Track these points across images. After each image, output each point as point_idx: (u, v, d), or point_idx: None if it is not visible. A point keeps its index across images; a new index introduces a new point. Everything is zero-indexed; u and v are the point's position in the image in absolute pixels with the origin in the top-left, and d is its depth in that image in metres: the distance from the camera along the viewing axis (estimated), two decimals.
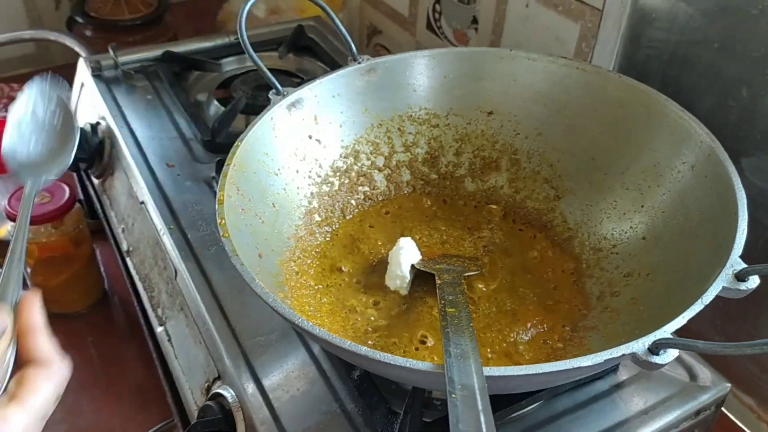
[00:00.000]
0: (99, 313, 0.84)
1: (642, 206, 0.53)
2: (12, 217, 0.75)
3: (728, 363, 0.70)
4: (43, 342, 0.40)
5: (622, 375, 0.53)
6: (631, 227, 0.53)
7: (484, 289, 0.53)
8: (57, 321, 0.81)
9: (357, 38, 1.17)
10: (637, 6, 0.69)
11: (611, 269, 0.53)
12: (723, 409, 0.70)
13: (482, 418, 0.32)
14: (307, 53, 0.90)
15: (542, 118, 0.60)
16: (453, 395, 0.33)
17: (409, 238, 0.54)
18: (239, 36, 0.56)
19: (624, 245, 0.53)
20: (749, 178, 0.61)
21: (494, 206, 0.61)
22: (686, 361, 0.54)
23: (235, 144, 0.52)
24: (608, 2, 0.71)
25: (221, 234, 0.45)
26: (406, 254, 0.53)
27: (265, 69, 0.56)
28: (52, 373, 0.38)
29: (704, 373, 0.53)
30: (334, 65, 0.86)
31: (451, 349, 0.38)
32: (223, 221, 0.46)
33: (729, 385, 0.52)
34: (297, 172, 0.57)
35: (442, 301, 0.46)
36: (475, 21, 0.91)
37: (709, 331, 0.70)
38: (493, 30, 0.89)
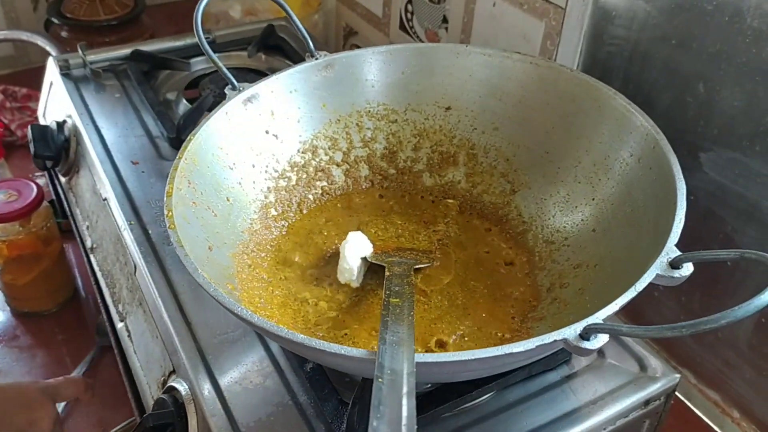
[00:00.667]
0: (69, 312, 0.84)
1: (593, 199, 0.53)
2: None
3: (692, 358, 0.71)
4: None
5: (575, 366, 0.53)
6: (582, 220, 0.54)
7: (437, 282, 0.53)
8: (26, 320, 0.83)
9: (333, 39, 1.18)
10: (598, 4, 0.70)
11: (562, 261, 0.53)
12: (688, 403, 0.71)
13: (404, 402, 0.32)
14: (277, 52, 0.90)
15: (498, 113, 0.60)
16: (380, 379, 0.34)
17: (359, 232, 0.55)
18: (195, 30, 0.57)
19: (575, 237, 0.53)
20: (708, 173, 0.62)
21: (451, 200, 0.61)
22: (637, 352, 0.54)
23: (188, 138, 0.52)
24: (571, 1, 0.72)
25: (167, 225, 0.45)
26: (355, 248, 0.53)
27: (219, 62, 0.56)
28: None
29: (655, 364, 0.53)
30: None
31: (387, 337, 0.38)
32: (171, 213, 0.46)
33: (678, 375, 0.52)
34: (253, 166, 0.57)
35: (387, 292, 0.46)
36: (445, 20, 0.92)
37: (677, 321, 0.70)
38: (462, 29, 0.89)
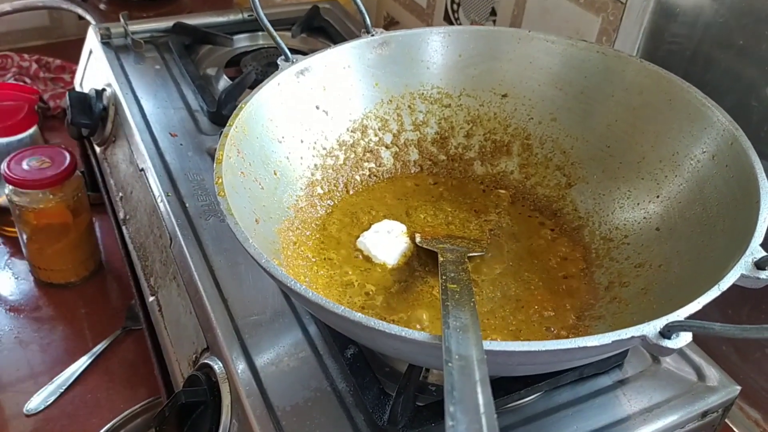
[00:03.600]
0: (93, 286, 0.83)
1: (657, 196, 0.51)
2: (10, 181, 0.73)
3: (735, 374, 0.68)
4: None
5: (627, 371, 0.51)
6: (644, 218, 0.51)
7: (489, 272, 0.51)
8: (50, 291, 0.81)
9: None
10: (661, 1, 0.67)
11: (621, 260, 0.50)
12: (727, 421, 0.68)
13: (479, 389, 0.30)
14: (320, 34, 0.88)
15: (558, 103, 0.58)
16: (449, 363, 0.31)
17: (384, 222, 0.53)
18: (252, 3, 0.54)
19: (636, 236, 0.51)
20: None
21: (503, 191, 0.59)
22: (695, 361, 0.51)
23: (239, 106, 0.50)
24: None
25: (217, 192, 0.43)
26: (378, 242, 0.52)
27: (274, 33, 0.54)
28: None
29: (713, 374, 0.50)
30: None
31: (450, 321, 0.36)
32: (220, 180, 0.44)
33: (739, 387, 0.50)
34: (301, 141, 0.55)
35: (444, 277, 0.44)
36: (493, 13, 0.89)
37: (717, 339, 0.67)
38: (511, 22, 0.87)
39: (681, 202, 0.49)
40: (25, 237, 0.79)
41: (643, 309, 0.45)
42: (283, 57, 0.55)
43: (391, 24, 1.12)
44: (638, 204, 0.52)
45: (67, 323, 0.79)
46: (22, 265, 0.84)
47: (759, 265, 0.37)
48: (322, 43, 0.87)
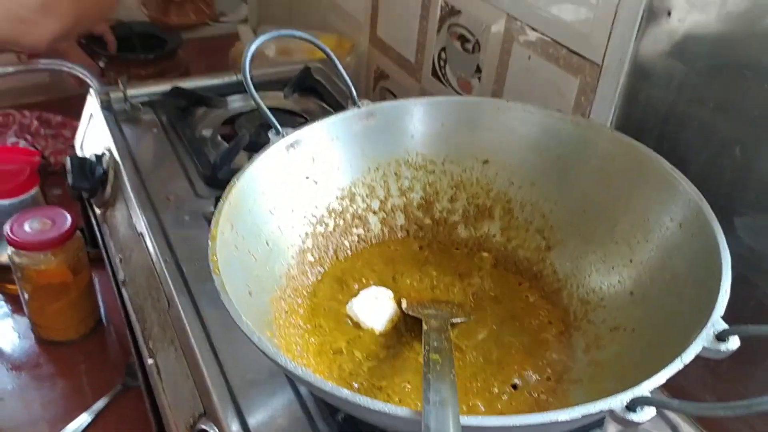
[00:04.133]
0: (92, 342, 0.85)
1: (630, 261, 0.53)
2: (13, 243, 0.76)
3: (719, 423, 0.70)
4: None
5: (608, 430, 0.53)
6: (619, 281, 0.54)
7: (472, 337, 0.53)
8: (50, 348, 0.83)
9: (364, 82, 1.20)
10: (635, 63, 0.71)
11: (598, 322, 0.53)
12: None
13: None
14: (312, 94, 0.92)
15: (537, 168, 0.61)
16: None
17: (362, 294, 0.56)
18: (242, 74, 0.58)
19: (612, 299, 0.53)
20: (741, 237, 0.62)
21: (486, 254, 0.62)
22: (672, 420, 0.53)
23: (232, 181, 0.53)
24: (607, 59, 0.73)
25: (212, 270, 0.46)
26: (367, 307, 0.54)
27: (264, 108, 0.57)
28: None
29: None
30: (338, 107, 0.88)
31: (430, 396, 0.38)
32: (215, 257, 0.46)
33: None
34: (292, 211, 0.58)
35: (427, 347, 0.46)
36: (478, 70, 0.93)
37: (699, 390, 0.69)
38: (495, 79, 0.90)
39: (652, 267, 0.51)
40: (26, 296, 0.81)
41: (617, 374, 0.47)
42: (273, 130, 0.58)
43: (381, 77, 1.15)
44: (613, 268, 0.55)
45: (67, 380, 0.80)
46: (23, 322, 0.86)
47: (720, 337, 0.40)
48: (314, 103, 0.91)
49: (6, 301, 0.90)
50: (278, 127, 0.58)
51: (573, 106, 0.79)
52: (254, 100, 0.57)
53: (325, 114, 0.88)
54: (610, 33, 0.72)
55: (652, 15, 0.68)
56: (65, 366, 0.82)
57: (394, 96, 1.13)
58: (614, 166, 0.56)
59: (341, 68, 0.61)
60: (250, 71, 0.58)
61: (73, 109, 1.18)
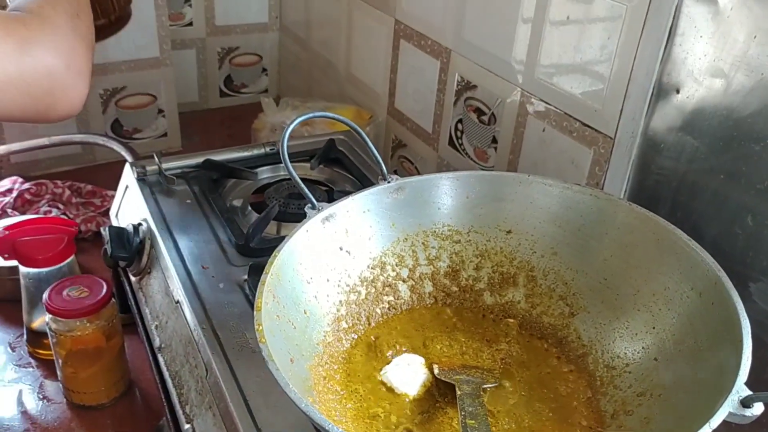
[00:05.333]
0: (122, 406, 0.87)
1: (653, 328, 0.56)
2: (51, 311, 0.79)
3: None
4: None
5: None
6: (643, 347, 0.56)
7: (503, 403, 0.55)
8: (82, 413, 0.85)
9: (383, 150, 1.24)
10: (647, 136, 0.75)
11: (624, 387, 0.55)
12: None
13: None
14: (336, 165, 0.96)
15: (558, 239, 0.64)
16: None
17: (404, 356, 0.58)
18: (281, 157, 0.62)
19: (636, 365, 0.56)
20: (757, 302, 0.64)
21: (511, 320, 0.64)
22: None
23: (273, 254, 0.56)
24: (620, 132, 0.77)
25: (258, 339, 0.48)
26: (400, 374, 0.56)
27: (302, 185, 0.61)
28: None
29: None
30: (361, 176, 0.92)
31: None
32: (261, 327, 0.49)
33: None
34: (327, 281, 0.61)
35: (463, 413, 0.48)
36: (494, 140, 0.97)
37: None
38: (511, 150, 0.95)
39: (675, 334, 0.54)
40: (60, 361, 0.83)
41: None
42: (309, 205, 0.62)
43: (399, 146, 1.20)
44: (636, 334, 0.57)
45: None
46: (54, 387, 0.88)
47: (744, 403, 0.42)
48: (338, 173, 0.95)
49: (38, 367, 0.92)
50: (314, 201, 0.62)
51: (587, 175, 0.82)
52: (293, 178, 0.61)
53: (349, 183, 0.93)
54: (622, 108, 0.76)
55: (661, 92, 0.72)
56: (96, 430, 0.83)
57: (412, 163, 1.18)
58: (633, 237, 0.59)
59: (372, 146, 0.66)
60: (288, 151, 0.62)
61: (101, 178, 1.24)
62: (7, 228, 0.86)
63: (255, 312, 0.51)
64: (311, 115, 0.66)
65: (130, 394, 0.88)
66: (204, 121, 1.51)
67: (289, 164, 0.61)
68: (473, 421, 0.47)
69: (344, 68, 1.33)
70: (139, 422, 0.85)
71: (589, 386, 0.57)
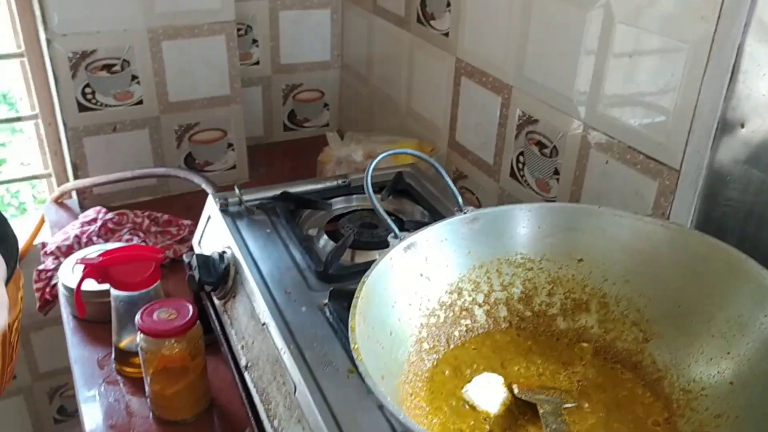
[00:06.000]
0: (204, 422, 0.91)
1: (728, 353, 0.58)
2: (144, 330, 0.84)
3: None
4: None
5: None
6: (718, 372, 0.58)
7: (582, 423, 0.58)
8: (165, 427, 0.90)
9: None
10: (713, 169, 0.77)
11: (701, 410, 0.57)
12: None
13: None
14: (405, 196, 1.01)
15: (629, 267, 0.67)
16: None
17: (484, 375, 0.61)
18: (366, 188, 0.66)
19: (712, 389, 0.58)
20: None
21: (585, 344, 0.67)
22: None
23: (362, 280, 0.60)
24: (685, 164, 0.79)
25: (356, 357, 0.52)
26: (481, 392, 0.59)
27: (387, 218, 0.66)
28: None
29: None
30: (429, 208, 0.96)
31: None
32: (357, 346, 0.53)
33: None
34: (409, 305, 0.65)
35: (547, 429, 0.51)
36: (556, 172, 1.01)
37: None
38: (573, 181, 0.98)
39: (750, 359, 0.56)
40: (148, 378, 0.89)
41: None
42: (392, 234, 0.66)
43: (460, 177, 1.24)
44: (711, 359, 0.59)
45: None
46: (139, 403, 0.94)
47: None
48: (406, 204, 0.99)
49: (124, 384, 0.97)
50: (397, 231, 0.66)
51: (653, 206, 0.85)
52: (377, 211, 0.66)
53: (417, 213, 0.97)
54: (687, 141, 0.79)
55: (726, 126, 0.75)
56: None
57: (473, 194, 1.22)
58: (706, 266, 0.62)
59: (449, 180, 0.70)
60: (372, 185, 0.67)
61: (176, 208, 1.31)
62: (101, 255, 0.92)
63: (350, 333, 0.55)
64: (392, 152, 0.70)
65: (212, 411, 0.93)
66: (269, 154, 1.58)
67: (374, 197, 0.66)
68: None
69: (405, 103, 1.39)
70: None
71: (666, 408, 0.59)
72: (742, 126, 0.73)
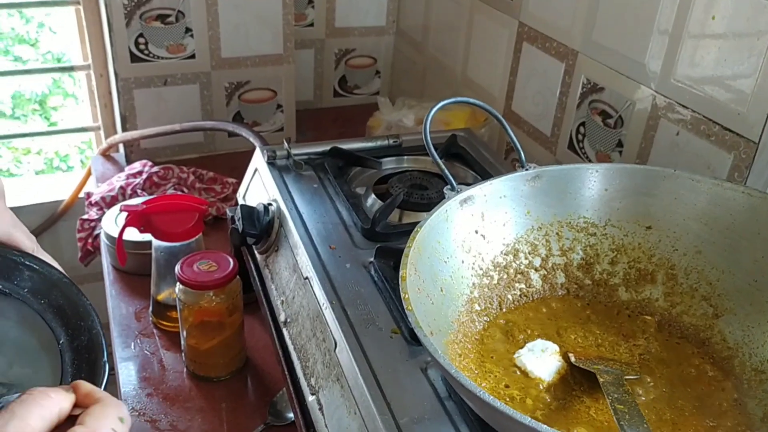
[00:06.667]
0: (237, 382, 0.89)
1: None
2: (183, 281, 0.83)
3: None
4: (98, 391, 0.45)
5: None
6: None
7: (643, 397, 0.54)
8: (199, 383, 0.88)
9: (496, 152, 1.24)
10: None
11: None
12: None
13: None
14: (458, 159, 0.96)
15: (703, 237, 0.62)
16: None
17: (538, 341, 0.57)
18: (424, 138, 0.63)
19: None
20: None
21: (648, 317, 0.62)
22: None
23: (415, 230, 0.57)
24: (765, 136, 0.73)
25: (405, 307, 0.49)
26: (534, 359, 0.55)
27: (444, 168, 0.62)
28: (106, 402, 0.44)
29: None
30: (482, 172, 0.92)
31: None
32: (407, 295, 0.50)
33: None
34: (462, 262, 0.61)
35: (610, 398, 0.47)
36: (619, 144, 0.95)
37: None
38: (638, 154, 0.92)
39: None
40: (185, 332, 0.87)
41: None
42: (449, 186, 0.62)
43: (512, 149, 1.19)
44: None
45: (216, 415, 0.85)
46: (173, 358, 0.92)
47: None
48: (459, 168, 0.95)
49: (160, 337, 0.96)
50: (454, 183, 0.62)
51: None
52: (434, 159, 0.62)
53: (470, 177, 0.93)
54: None
55: None
56: (214, 401, 0.86)
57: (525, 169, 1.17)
58: None
59: (512, 134, 0.66)
60: (430, 135, 0.63)
61: (221, 167, 1.29)
62: (145, 203, 0.91)
63: (401, 282, 0.51)
64: (453, 100, 0.66)
65: (246, 370, 0.91)
66: (317, 119, 1.55)
67: (431, 145, 0.62)
68: (622, 406, 0.45)
69: (460, 71, 1.34)
70: (253, 396, 0.87)
71: (736, 388, 0.54)
72: None
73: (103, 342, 0.53)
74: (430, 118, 0.64)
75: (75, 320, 0.53)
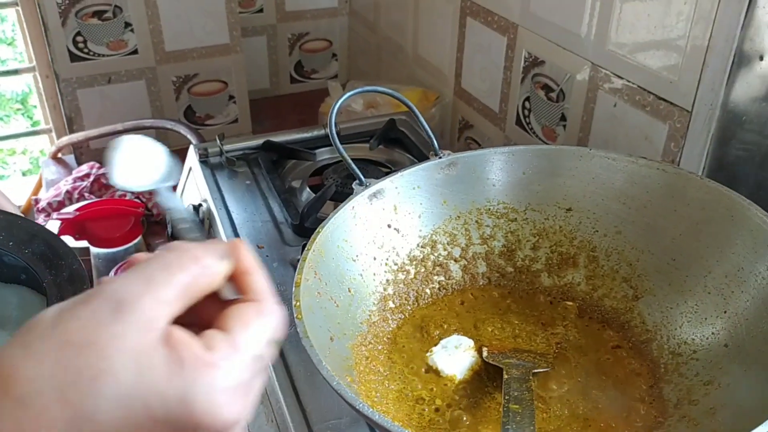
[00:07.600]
0: None
1: (725, 312, 0.51)
2: None
3: None
4: (259, 281, 0.34)
5: None
6: (712, 333, 0.51)
7: (556, 389, 0.52)
8: None
9: (449, 131, 1.21)
10: (727, 108, 0.69)
11: (691, 376, 0.50)
12: None
13: None
14: (397, 145, 0.94)
15: (622, 217, 0.59)
16: None
17: (453, 337, 0.55)
18: (329, 129, 0.60)
19: (704, 352, 0.51)
20: None
21: (570, 303, 0.60)
22: None
23: (317, 230, 0.55)
24: (697, 104, 0.71)
25: (295, 315, 0.47)
26: (445, 357, 0.54)
27: (348, 159, 0.59)
28: (264, 309, 0.33)
29: None
30: (422, 157, 0.89)
31: None
32: (298, 303, 0.48)
33: None
34: (374, 259, 0.59)
35: (507, 397, 0.46)
36: (563, 118, 0.93)
37: None
38: (581, 127, 0.90)
39: (748, 318, 0.49)
40: None
41: (711, 431, 0.45)
42: (357, 181, 0.60)
43: (465, 127, 1.17)
44: (706, 319, 0.52)
45: None
46: None
47: None
48: (398, 154, 0.93)
49: None
50: (361, 177, 0.60)
51: (662, 152, 0.77)
52: (339, 151, 0.60)
53: (409, 164, 0.91)
54: (700, 78, 0.70)
55: (743, 60, 0.66)
56: None
57: (479, 145, 1.14)
58: (705, 214, 0.54)
59: (422, 119, 0.63)
60: (336, 125, 0.61)
61: None
62: (78, 209, 0.89)
63: (294, 288, 0.49)
64: (359, 90, 0.64)
65: None
66: (275, 107, 1.52)
67: (335, 133, 0.60)
68: (517, 406, 0.44)
69: (412, 50, 1.31)
70: None
71: (652, 374, 0.53)
72: (761, 58, 0.64)
73: (85, 274, 0.56)
74: (335, 112, 0.62)
75: (56, 260, 0.58)
